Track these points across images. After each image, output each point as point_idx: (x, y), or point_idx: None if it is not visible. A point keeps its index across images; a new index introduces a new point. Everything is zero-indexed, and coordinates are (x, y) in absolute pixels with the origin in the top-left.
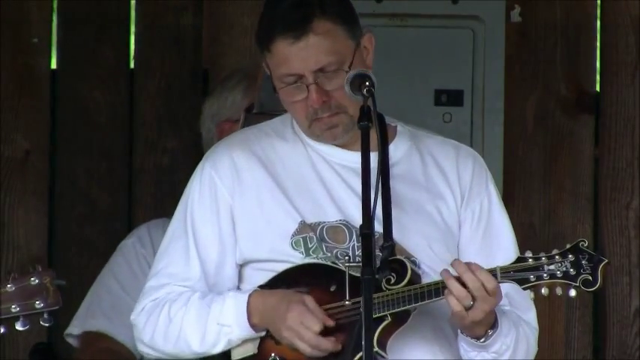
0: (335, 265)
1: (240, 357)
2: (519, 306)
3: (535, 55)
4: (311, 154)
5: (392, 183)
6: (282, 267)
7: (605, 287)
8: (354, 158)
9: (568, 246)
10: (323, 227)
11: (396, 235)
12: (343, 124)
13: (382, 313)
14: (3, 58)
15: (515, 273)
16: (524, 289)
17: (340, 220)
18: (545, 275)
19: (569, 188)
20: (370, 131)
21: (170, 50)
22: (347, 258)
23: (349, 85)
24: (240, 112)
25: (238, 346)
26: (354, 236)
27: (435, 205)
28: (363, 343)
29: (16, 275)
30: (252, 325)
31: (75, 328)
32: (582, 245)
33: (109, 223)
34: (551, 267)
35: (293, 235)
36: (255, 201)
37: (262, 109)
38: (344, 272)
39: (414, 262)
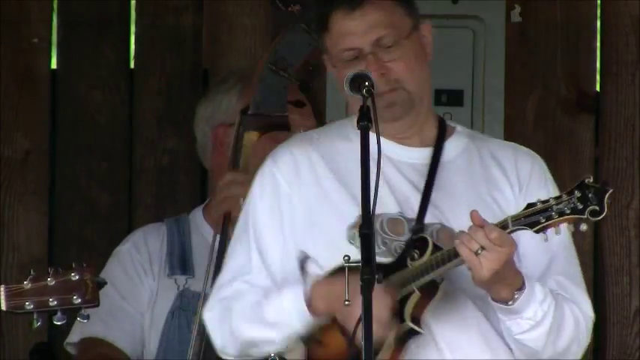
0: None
1: None
2: (573, 295)
3: (535, 55)
4: (372, 151)
5: (448, 175)
6: (335, 262)
7: (606, 287)
8: (412, 154)
9: (575, 184)
10: (383, 219)
11: (452, 222)
12: (402, 101)
13: (408, 289)
14: (3, 58)
15: (526, 218)
16: (536, 231)
17: (399, 213)
18: (554, 214)
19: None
20: (426, 128)
21: (170, 50)
22: (398, 252)
23: (348, 84)
24: (236, 115)
25: (289, 352)
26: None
27: (491, 195)
28: (362, 343)
29: (58, 269)
30: (315, 314)
31: (74, 336)
32: (587, 181)
33: (109, 223)
34: (560, 206)
35: (350, 228)
36: (314, 195)
37: (258, 110)
38: (381, 262)
39: None
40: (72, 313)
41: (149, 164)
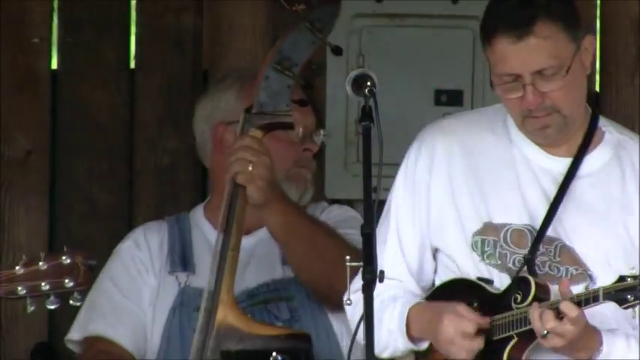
0: (478, 282)
1: None
2: None
3: None
4: (515, 152)
5: (583, 190)
6: (458, 263)
7: None
8: (555, 164)
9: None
10: (508, 229)
11: (576, 242)
12: (556, 124)
13: (507, 334)
14: (4, 59)
15: (616, 293)
16: (625, 308)
17: (526, 225)
18: None
19: None
20: (577, 135)
21: (170, 50)
22: (520, 263)
23: (350, 85)
24: (235, 113)
25: (400, 357)
26: (533, 242)
27: (623, 219)
28: (366, 346)
29: (50, 254)
30: (411, 338)
31: (75, 334)
32: None
33: (110, 222)
34: None
35: (474, 235)
36: (449, 188)
37: (262, 109)
38: (485, 289)
39: (586, 275)
40: (65, 297)
41: (150, 164)
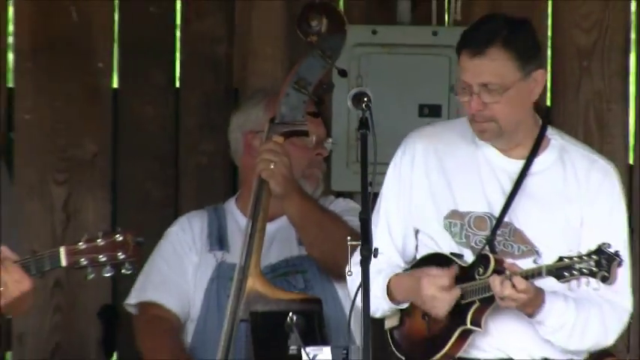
0: (450, 256)
1: (389, 326)
2: (615, 289)
3: None
4: (478, 154)
5: (533, 185)
6: (436, 240)
7: None
8: (511, 164)
9: (594, 248)
10: (472, 216)
11: (525, 226)
12: (491, 131)
13: (471, 299)
14: (75, 80)
15: (557, 270)
16: (562, 282)
17: (486, 213)
18: (575, 272)
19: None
20: (526, 143)
21: (208, 73)
22: (482, 242)
23: (351, 101)
24: (261, 123)
25: (388, 318)
26: (492, 226)
27: (564, 208)
28: (361, 309)
29: (107, 232)
30: (393, 300)
31: (132, 299)
32: (604, 247)
33: (160, 211)
34: (581, 265)
35: (444, 219)
36: (426, 181)
37: (283, 119)
38: (453, 261)
39: (534, 251)
40: (118, 267)
41: (191, 164)
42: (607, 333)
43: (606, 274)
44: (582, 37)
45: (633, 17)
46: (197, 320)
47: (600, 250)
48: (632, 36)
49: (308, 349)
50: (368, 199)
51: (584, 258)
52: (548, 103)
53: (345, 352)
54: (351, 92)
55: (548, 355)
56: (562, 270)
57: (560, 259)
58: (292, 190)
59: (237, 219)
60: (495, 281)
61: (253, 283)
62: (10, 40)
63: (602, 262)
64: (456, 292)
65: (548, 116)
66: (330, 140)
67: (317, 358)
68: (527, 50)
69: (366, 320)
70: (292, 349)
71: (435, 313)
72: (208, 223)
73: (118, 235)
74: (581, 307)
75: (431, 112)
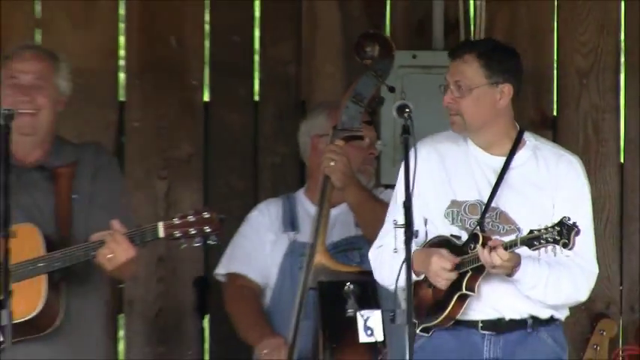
0: (450, 238)
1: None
2: (580, 254)
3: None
4: (470, 154)
5: (513, 177)
6: (438, 226)
7: None
8: (495, 161)
9: (557, 221)
10: (466, 204)
11: (509, 209)
12: (458, 124)
13: (465, 269)
14: (174, 95)
15: (528, 241)
16: (533, 250)
17: (477, 200)
18: (542, 241)
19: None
20: (505, 142)
21: (281, 88)
22: (474, 224)
23: (396, 111)
24: (326, 129)
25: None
26: (482, 211)
27: (538, 194)
28: (406, 280)
29: (196, 210)
30: (414, 272)
31: (221, 269)
32: (565, 220)
33: (243, 199)
34: (547, 235)
35: (446, 208)
36: (430, 179)
37: (343, 126)
38: (454, 241)
39: (516, 229)
40: (205, 238)
41: (268, 162)
42: (578, 290)
43: (567, 241)
44: (581, 61)
45: (622, 45)
46: (273, 288)
47: (562, 223)
48: (622, 59)
49: (362, 311)
50: (409, 190)
51: (549, 229)
52: (555, 113)
53: (392, 314)
54: (395, 104)
55: (534, 312)
56: (532, 240)
57: (531, 231)
58: (351, 183)
59: (305, 206)
60: (483, 253)
61: (320, 258)
62: (122, 62)
63: (563, 232)
64: (454, 274)
65: (554, 124)
66: (380, 142)
67: (369, 319)
68: (498, 65)
69: (409, 289)
70: (349, 312)
71: (437, 284)
72: (282, 209)
73: (205, 213)
74: (553, 268)
75: None
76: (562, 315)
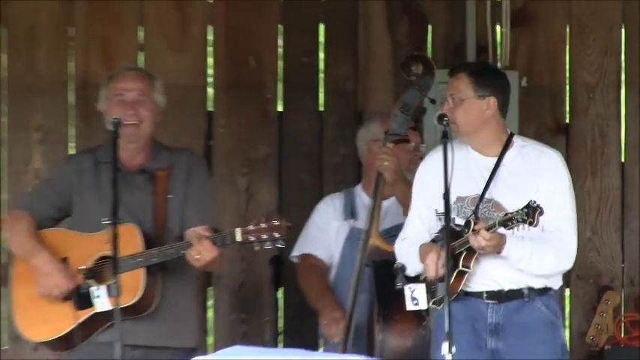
0: (454, 227)
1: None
2: (561, 229)
3: (534, 104)
4: (469, 158)
5: (503, 173)
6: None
7: None
8: (486, 160)
9: (524, 205)
10: (468, 198)
11: (501, 199)
12: (455, 129)
13: (460, 250)
14: (253, 106)
15: (504, 222)
16: (507, 229)
17: (477, 195)
18: (514, 221)
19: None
20: (496, 144)
21: (341, 101)
22: (472, 216)
23: (436, 119)
24: (379, 135)
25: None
26: (477, 203)
27: (525, 185)
28: (446, 265)
29: (267, 218)
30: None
31: (295, 252)
32: (531, 203)
33: (310, 193)
34: (517, 217)
35: (453, 203)
36: (439, 180)
37: (393, 132)
38: (456, 229)
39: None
40: (274, 242)
41: (331, 162)
42: (560, 260)
43: (532, 219)
44: (589, 78)
45: (623, 65)
46: (337, 266)
47: (528, 205)
48: (622, 77)
49: (409, 285)
50: (448, 185)
51: (519, 212)
52: (567, 121)
53: (434, 286)
54: (436, 114)
55: (529, 283)
56: (506, 221)
57: (505, 214)
58: (399, 179)
59: (362, 198)
60: (470, 236)
61: (374, 241)
62: (209, 79)
63: (529, 213)
64: (442, 271)
65: (567, 130)
66: (423, 145)
67: (415, 291)
68: (485, 82)
69: (447, 267)
70: (399, 285)
71: (428, 274)
72: (344, 201)
73: (275, 220)
74: (536, 243)
75: None
76: (555, 285)
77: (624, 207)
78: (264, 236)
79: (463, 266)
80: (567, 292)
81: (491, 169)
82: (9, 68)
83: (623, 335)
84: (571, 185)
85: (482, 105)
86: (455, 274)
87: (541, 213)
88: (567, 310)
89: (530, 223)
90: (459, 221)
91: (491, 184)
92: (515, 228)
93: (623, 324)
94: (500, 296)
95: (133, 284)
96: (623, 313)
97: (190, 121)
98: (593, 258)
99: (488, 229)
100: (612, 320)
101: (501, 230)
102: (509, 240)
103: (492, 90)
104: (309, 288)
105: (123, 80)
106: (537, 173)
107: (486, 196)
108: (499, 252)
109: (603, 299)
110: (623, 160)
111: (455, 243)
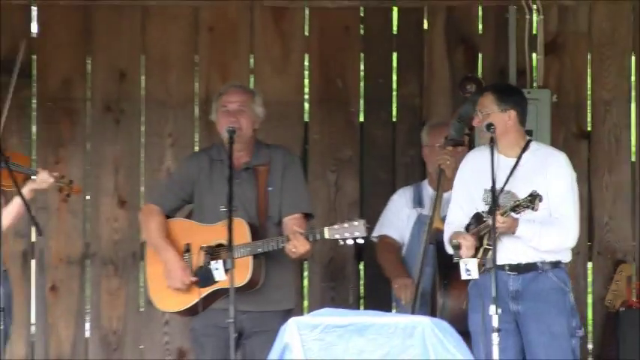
0: (481, 214)
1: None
2: (565, 215)
3: (563, 116)
4: (494, 159)
5: (520, 171)
6: (477, 206)
7: None
8: (509, 161)
9: (528, 194)
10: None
11: (518, 191)
12: (492, 132)
13: (484, 232)
14: (340, 117)
15: (514, 208)
16: (517, 214)
17: (500, 187)
18: (521, 207)
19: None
20: (517, 147)
21: (410, 114)
22: (489, 204)
23: (485, 127)
24: (426, 142)
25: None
26: (498, 194)
27: (537, 180)
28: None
29: (349, 219)
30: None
31: (375, 233)
32: (533, 192)
33: (385, 187)
34: (522, 204)
35: (483, 194)
36: (474, 176)
37: (451, 137)
38: (480, 215)
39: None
40: (356, 239)
41: (402, 162)
42: (565, 238)
43: (533, 205)
44: (606, 95)
45: (633, 83)
46: (407, 245)
47: (531, 194)
48: (632, 94)
49: (464, 259)
50: (494, 179)
51: (524, 200)
52: (589, 129)
53: (484, 260)
54: (484, 123)
55: (543, 257)
56: (515, 207)
57: (514, 202)
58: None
59: (427, 191)
60: (489, 221)
61: (437, 225)
62: (306, 96)
63: (532, 200)
64: (471, 251)
65: (589, 136)
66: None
67: (468, 263)
68: (506, 98)
69: (494, 245)
70: (455, 259)
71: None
72: (413, 193)
73: (355, 221)
74: (544, 225)
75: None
76: (565, 258)
77: (635, 197)
78: (347, 234)
79: (488, 245)
80: (589, 265)
81: (512, 168)
82: (147, 87)
83: (634, 299)
84: (574, 180)
85: (505, 117)
86: (481, 250)
87: (540, 200)
88: (590, 279)
89: (532, 209)
90: (485, 209)
91: (510, 179)
92: (523, 213)
93: (634, 290)
94: (519, 268)
95: (243, 269)
96: (633, 282)
97: (291, 129)
98: (610, 238)
99: (502, 214)
100: (625, 287)
101: (514, 215)
102: (522, 222)
103: (512, 104)
104: (386, 262)
105: (227, 94)
106: (546, 170)
107: (505, 188)
108: (513, 232)
109: (618, 270)
110: (633, 159)
111: (481, 226)
